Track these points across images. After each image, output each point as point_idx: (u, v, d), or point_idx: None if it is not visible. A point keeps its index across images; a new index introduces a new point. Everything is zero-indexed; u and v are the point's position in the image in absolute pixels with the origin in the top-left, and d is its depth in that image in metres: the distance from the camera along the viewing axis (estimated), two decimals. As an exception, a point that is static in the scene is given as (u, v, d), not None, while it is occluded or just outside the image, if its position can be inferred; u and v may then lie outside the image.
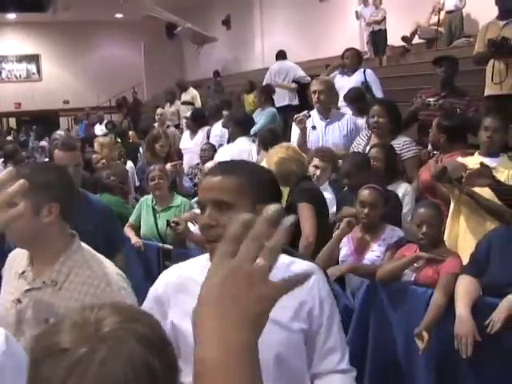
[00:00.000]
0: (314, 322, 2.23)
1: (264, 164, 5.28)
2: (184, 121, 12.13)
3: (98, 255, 2.57)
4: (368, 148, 5.88)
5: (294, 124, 6.88)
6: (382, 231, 4.61)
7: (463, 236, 4.76)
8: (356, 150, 6.17)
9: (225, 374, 0.99)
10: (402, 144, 5.93)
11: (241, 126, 7.12)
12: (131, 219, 6.41)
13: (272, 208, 1.05)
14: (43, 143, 16.14)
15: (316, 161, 5.74)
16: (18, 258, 2.59)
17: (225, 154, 7.35)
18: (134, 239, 6.14)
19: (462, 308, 3.77)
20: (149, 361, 1.21)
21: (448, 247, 4.49)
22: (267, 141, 6.92)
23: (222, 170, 2.22)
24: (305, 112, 6.78)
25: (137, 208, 6.45)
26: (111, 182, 6.86)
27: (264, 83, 11.72)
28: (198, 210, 5.53)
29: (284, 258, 2.26)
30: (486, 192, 4.58)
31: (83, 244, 2.58)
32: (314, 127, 6.79)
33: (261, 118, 9.96)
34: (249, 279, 1.02)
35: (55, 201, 2.44)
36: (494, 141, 4.90)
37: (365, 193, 4.59)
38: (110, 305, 1.31)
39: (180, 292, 2.24)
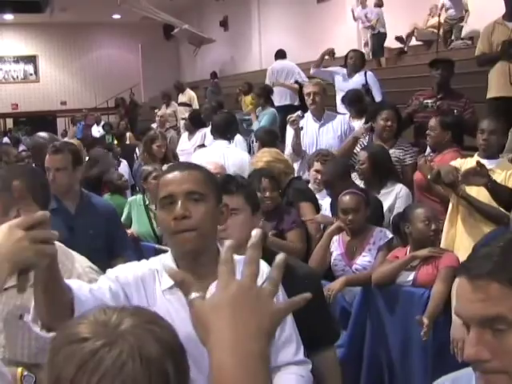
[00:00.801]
0: None
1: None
2: (182, 122, 12.13)
3: (69, 250, 2.58)
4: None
5: (288, 127, 6.91)
6: (370, 234, 4.59)
7: (460, 238, 4.74)
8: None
9: (242, 378, 1.11)
10: (406, 149, 6.00)
11: (218, 129, 7.16)
12: (122, 219, 6.37)
13: (255, 233, 1.24)
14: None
15: (317, 165, 5.73)
16: None
17: (199, 156, 7.37)
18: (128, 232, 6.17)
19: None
20: (165, 364, 1.24)
21: (445, 248, 4.50)
22: (265, 141, 6.91)
23: (185, 165, 2.36)
24: (298, 112, 6.79)
25: (126, 208, 6.44)
26: (123, 184, 6.87)
27: (266, 81, 11.75)
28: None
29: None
30: (483, 196, 4.58)
31: (61, 245, 2.55)
32: (301, 128, 6.77)
33: (262, 119, 10.09)
34: (259, 298, 1.19)
35: None
36: (491, 143, 4.89)
37: (345, 199, 4.56)
38: (131, 307, 1.38)
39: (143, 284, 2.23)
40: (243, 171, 6.41)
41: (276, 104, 11.15)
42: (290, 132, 6.85)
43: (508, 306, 1.28)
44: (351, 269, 4.56)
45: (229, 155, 6.75)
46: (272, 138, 7.11)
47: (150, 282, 2.23)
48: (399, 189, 5.41)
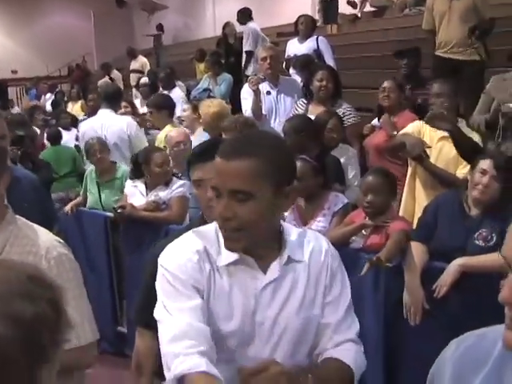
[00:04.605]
0: (327, 298, 2.18)
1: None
2: (134, 90, 12.04)
3: (34, 225, 2.49)
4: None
5: (243, 92, 6.87)
6: (324, 199, 4.55)
7: (419, 204, 4.78)
8: None
9: None
10: (344, 110, 5.97)
11: (106, 97, 7.33)
12: (81, 192, 6.49)
13: None
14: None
15: None
16: None
17: (84, 125, 7.62)
18: (68, 206, 6.29)
19: (411, 276, 3.79)
20: (39, 328, 1.19)
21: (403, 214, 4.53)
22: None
23: (237, 150, 1.98)
24: (259, 75, 6.76)
25: (84, 181, 6.46)
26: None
27: (249, 48, 11.29)
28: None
29: (296, 229, 2.24)
30: (440, 162, 4.62)
31: (20, 218, 2.49)
32: (268, 92, 6.78)
33: (221, 85, 10.13)
34: None
35: None
36: (447, 106, 4.90)
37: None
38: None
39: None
40: (122, 140, 6.83)
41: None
42: (247, 95, 6.81)
43: None
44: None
45: (108, 125, 6.90)
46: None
47: (205, 264, 2.07)
48: (352, 152, 5.48)
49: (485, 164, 3.78)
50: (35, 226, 2.48)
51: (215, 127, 6.02)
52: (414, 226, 4.24)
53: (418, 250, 3.87)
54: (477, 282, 3.62)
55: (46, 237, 2.42)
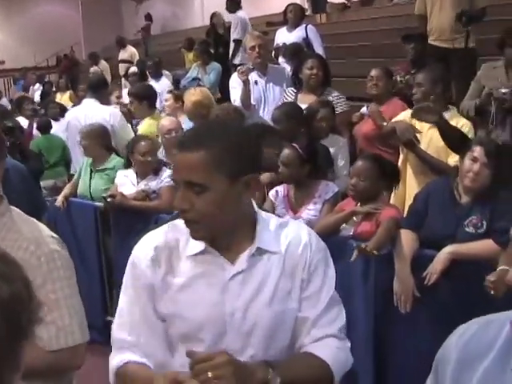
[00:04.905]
0: (304, 292, 2.12)
1: None
2: (123, 80, 12.01)
3: (30, 219, 2.42)
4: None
5: (231, 81, 6.86)
6: (315, 188, 4.57)
7: (409, 192, 4.77)
8: None
9: None
10: (333, 98, 5.98)
11: (92, 88, 7.38)
12: (74, 177, 6.47)
13: None
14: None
15: None
16: None
17: (69, 114, 7.74)
18: (59, 198, 6.22)
19: (401, 264, 3.80)
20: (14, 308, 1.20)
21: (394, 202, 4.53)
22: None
23: (190, 142, 1.98)
24: (248, 65, 6.74)
25: (78, 169, 6.46)
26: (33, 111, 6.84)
27: (237, 36, 11.16)
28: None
29: (276, 219, 2.20)
30: (431, 149, 4.62)
31: (14, 208, 2.42)
32: (256, 82, 6.76)
33: (210, 74, 10.12)
34: None
35: None
36: (426, 95, 4.90)
37: (284, 153, 4.56)
38: None
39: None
40: None
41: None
42: (236, 85, 6.80)
43: None
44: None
45: (92, 115, 6.90)
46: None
47: (173, 253, 2.11)
48: (342, 141, 5.48)
49: (476, 151, 3.76)
50: (30, 219, 2.42)
51: (198, 115, 6.03)
52: (405, 214, 4.25)
53: (408, 237, 3.87)
54: (466, 269, 3.63)
55: (38, 232, 2.35)
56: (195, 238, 2.05)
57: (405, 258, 3.78)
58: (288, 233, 2.14)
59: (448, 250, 3.67)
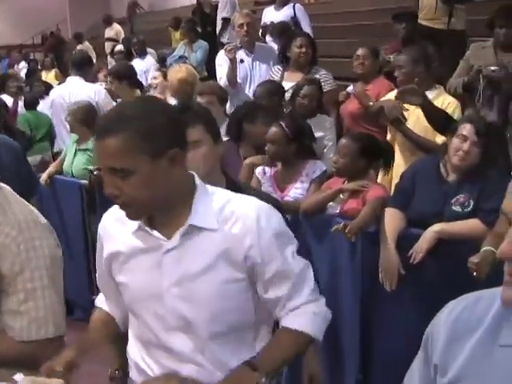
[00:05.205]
0: (265, 274, 2.11)
1: None
2: (109, 58, 11.95)
3: (17, 201, 2.31)
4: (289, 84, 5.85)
5: (218, 58, 6.83)
6: (302, 166, 4.56)
7: (397, 170, 4.75)
8: None
9: None
10: (320, 76, 5.97)
11: (75, 66, 7.42)
12: (61, 155, 6.48)
13: None
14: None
15: None
16: None
17: (53, 93, 7.76)
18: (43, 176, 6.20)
19: (386, 242, 3.79)
20: None
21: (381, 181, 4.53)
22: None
23: (105, 129, 1.96)
24: (236, 43, 6.72)
25: (65, 147, 6.48)
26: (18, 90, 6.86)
27: (224, 14, 11.07)
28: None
29: (225, 195, 2.17)
30: (418, 128, 4.61)
31: (5, 186, 2.33)
32: (242, 60, 6.74)
33: (197, 52, 10.12)
34: None
35: None
36: (409, 76, 4.88)
37: (271, 130, 4.53)
38: None
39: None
40: None
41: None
42: (222, 62, 6.77)
43: None
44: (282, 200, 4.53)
45: (76, 92, 6.89)
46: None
47: (124, 225, 2.16)
48: (329, 121, 5.47)
49: (465, 129, 3.74)
50: (18, 201, 2.33)
51: (182, 92, 5.99)
52: (392, 193, 4.24)
53: (394, 216, 3.86)
54: (453, 248, 3.62)
55: (24, 216, 2.25)
56: (131, 219, 2.09)
57: (390, 236, 3.77)
58: (234, 208, 2.11)
59: (434, 228, 3.66)
